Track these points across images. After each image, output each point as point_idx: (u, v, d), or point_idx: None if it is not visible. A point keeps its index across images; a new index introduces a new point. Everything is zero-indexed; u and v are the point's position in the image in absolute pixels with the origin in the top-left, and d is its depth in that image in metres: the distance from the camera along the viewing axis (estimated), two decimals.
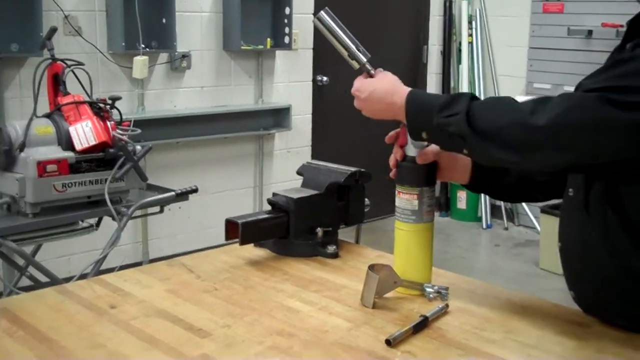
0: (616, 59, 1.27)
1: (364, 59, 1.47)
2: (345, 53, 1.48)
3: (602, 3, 4.81)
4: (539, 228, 5.02)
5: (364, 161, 5.14)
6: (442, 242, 5.02)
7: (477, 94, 5.59)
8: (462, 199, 5.61)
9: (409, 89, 1.39)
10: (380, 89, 1.42)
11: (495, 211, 5.58)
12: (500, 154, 1.24)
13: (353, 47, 1.47)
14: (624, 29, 1.35)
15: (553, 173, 1.49)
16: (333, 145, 5.26)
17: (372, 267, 1.40)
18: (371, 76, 1.47)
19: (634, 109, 1.15)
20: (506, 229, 5.46)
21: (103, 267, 2.58)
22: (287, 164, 4.82)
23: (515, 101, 1.26)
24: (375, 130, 5.65)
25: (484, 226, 5.52)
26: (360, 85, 1.46)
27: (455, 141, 1.29)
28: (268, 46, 4.57)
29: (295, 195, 1.69)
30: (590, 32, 4.89)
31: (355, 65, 1.48)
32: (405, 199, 1.43)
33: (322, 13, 1.46)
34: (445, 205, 5.76)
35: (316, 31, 4.94)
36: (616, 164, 1.23)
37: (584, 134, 1.17)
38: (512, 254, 4.96)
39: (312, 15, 4.87)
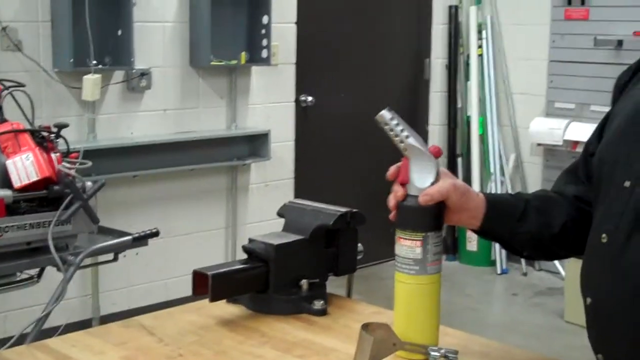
0: None
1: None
2: None
3: (634, 9, 4.88)
4: (563, 273, 5.04)
5: (357, 195, 5.19)
6: (449, 291, 5.03)
7: (488, 114, 5.66)
8: (472, 239, 5.62)
9: None
10: None
11: (512, 254, 5.59)
12: None
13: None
14: None
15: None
16: (320, 177, 5.28)
17: (366, 327, 1.40)
18: None
19: None
20: (525, 274, 5.47)
21: (46, 326, 2.55)
22: (266, 200, 4.82)
23: None
24: (370, 159, 5.71)
25: (499, 271, 5.53)
26: None
27: None
28: (243, 61, 4.59)
29: (276, 242, 1.69)
30: (620, 43, 4.97)
31: None
32: (406, 246, 1.43)
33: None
34: (453, 247, 5.77)
35: (299, 43, 5.00)
36: None
37: None
38: (533, 305, 4.97)
39: (294, 25, 4.92)
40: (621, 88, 1.55)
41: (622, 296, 1.36)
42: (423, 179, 1.42)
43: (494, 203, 1.52)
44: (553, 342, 4.38)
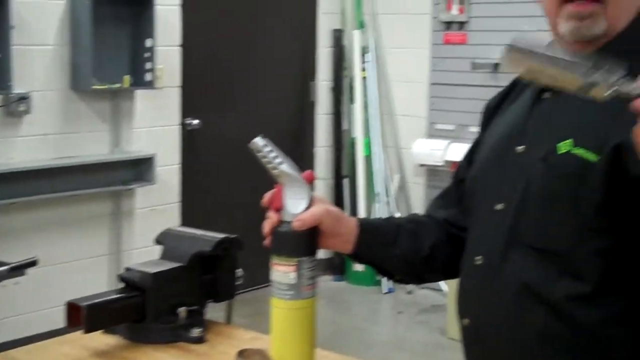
0: None
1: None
2: (572, 81, 1.09)
3: (509, 33, 4.98)
4: (446, 290, 5.15)
5: (246, 219, 5.16)
6: (336, 312, 5.06)
7: (373, 136, 5.75)
8: None
9: None
10: None
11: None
12: None
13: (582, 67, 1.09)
14: None
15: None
16: (207, 201, 5.25)
17: (242, 353, 1.40)
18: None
19: None
20: (410, 292, 5.57)
21: None
22: (152, 225, 4.74)
23: None
24: (257, 183, 5.71)
25: (385, 290, 5.60)
26: None
27: None
28: (126, 85, 4.53)
29: (152, 270, 1.68)
30: (496, 66, 5.14)
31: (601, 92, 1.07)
32: (281, 271, 1.44)
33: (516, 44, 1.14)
34: (340, 267, 5.81)
35: (185, 66, 4.98)
36: None
37: None
38: (417, 322, 5.06)
39: (179, 48, 4.89)
40: (491, 113, 1.59)
41: (499, 317, 1.39)
42: (296, 204, 1.44)
43: (367, 227, 1.55)
44: (437, 359, 4.47)
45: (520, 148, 1.40)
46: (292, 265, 1.43)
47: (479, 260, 1.44)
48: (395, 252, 1.55)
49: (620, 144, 1.22)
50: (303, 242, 1.44)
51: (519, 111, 1.46)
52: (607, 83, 1.06)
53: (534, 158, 1.36)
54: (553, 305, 1.33)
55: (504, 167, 1.44)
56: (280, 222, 1.45)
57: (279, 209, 1.45)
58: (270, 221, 1.45)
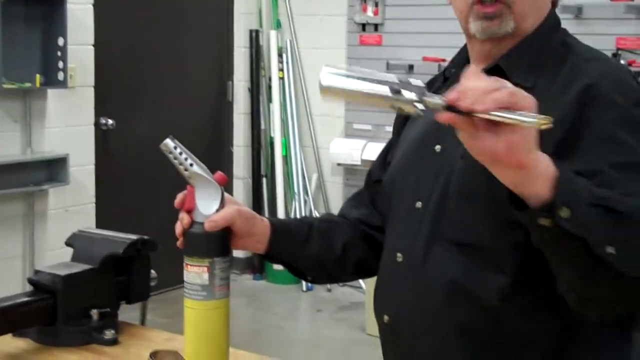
0: None
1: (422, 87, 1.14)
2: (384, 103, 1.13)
3: (423, 35, 5.15)
4: (364, 287, 5.20)
5: (161, 219, 5.10)
6: (256, 310, 5.07)
7: (291, 136, 5.77)
8: None
9: None
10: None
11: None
12: None
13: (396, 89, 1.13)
14: (445, 63, 1.44)
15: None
16: (122, 201, 5.18)
17: (154, 355, 1.40)
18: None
19: None
20: (329, 290, 5.60)
21: None
22: (66, 226, 4.64)
23: None
24: (172, 183, 5.63)
25: (304, 288, 5.62)
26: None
27: (603, 227, 1.14)
28: (37, 84, 4.45)
29: (63, 272, 1.66)
30: (411, 67, 5.23)
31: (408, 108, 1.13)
32: (194, 272, 1.44)
33: (329, 74, 1.13)
34: (260, 266, 5.82)
35: (98, 65, 4.90)
36: None
37: None
38: (337, 320, 5.10)
39: (92, 47, 4.82)
40: (404, 117, 1.60)
41: (422, 313, 1.42)
42: (208, 205, 1.44)
43: (279, 227, 1.56)
44: (356, 356, 4.52)
45: (438, 147, 1.44)
46: (205, 266, 1.43)
47: (399, 257, 1.46)
48: (307, 252, 1.57)
49: None
50: (215, 242, 1.45)
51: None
52: (410, 100, 1.11)
53: (453, 156, 1.39)
54: (476, 298, 1.36)
55: (422, 166, 1.47)
56: (192, 223, 1.45)
57: (190, 210, 1.45)
58: (181, 222, 1.45)
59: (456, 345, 1.39)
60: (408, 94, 1.12)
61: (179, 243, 1.47)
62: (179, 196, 1.47)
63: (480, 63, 1.43)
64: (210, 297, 1.44)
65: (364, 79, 1.12)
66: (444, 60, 4.90)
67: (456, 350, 1.39)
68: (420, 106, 1.12)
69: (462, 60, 1.50)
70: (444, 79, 1.53)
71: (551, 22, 1.44)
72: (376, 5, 5.42)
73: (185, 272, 1.46)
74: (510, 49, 1.41)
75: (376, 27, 5.45)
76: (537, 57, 1.40)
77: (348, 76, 1.13)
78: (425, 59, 5.12)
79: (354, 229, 1.62)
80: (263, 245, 1.55)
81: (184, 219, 1.44)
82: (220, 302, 1.46)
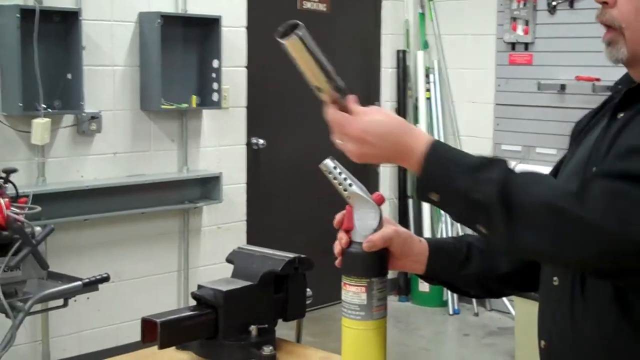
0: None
1: (344, 86, 1.38)
2: (322, 80, 1.39)
3: (576, 54, 5.02)
4: (513, 313, 5.09)
5: (310, 237, 5.21)
6: (401, 332, 5.05)
7: None
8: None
9: (424, 132, 1.37)
10: (394, 125, 1.34)
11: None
12: (529, 239, 1.21)
13: (332, 71, 1.39)
14: (601, 83, 1.43)
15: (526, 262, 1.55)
16: (272, 219, 5.29)
17: None
18: (347, 111, 1.40)
19: None
20: (476, 314, 5.52)
21: None
22: (218, 243, 4.82)
23: (557, 183, 1.27)
24: (320, 202, 5.72)
25: (451, 312, 5.57)
26: (364, 129, 1.34)
27: (474, 212, 1.25)
28: (193, 105, 4.62)
29: (225, 288, 1.70)
30: (563, 87, 5.10)
31: (329, 96, 1.39)
32: (352, 292, 1.46)
33: (303, 29, 1.36)
34: (405, 288, 5.81)
35: (250, 86, 5.03)
36: None
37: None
38: (484, 345, 5.01)
39: (244, 69, 4.97)
40: (578, 133, 1.58)
41: (574, 342, 1.39)
42: (366, 226, 1.45)
43: (437, 248, 1.56)
44: None
45: (596, 169, 1.40)
46: (363, 286, 1.45)
47: (555, 281, 1.44)
48: (467, 272, 1.56)
49: None
50: (373, 263, 1.46)
51: (598, 132, 1.46)
52: (341, 87, 1.39)
53: None
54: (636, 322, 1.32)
55: None
56: (351, 243, 1.47)
57: (349, 230, 1.47)
58: (340, 242, 1.46)
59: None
60: (341, 82, 1.39)
61: (337, 262, 1.49)
62: (338, 216, 1.49)
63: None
64: (368, 317, 1.46)
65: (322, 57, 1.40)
66: (598, 79, 4.75)
67: None
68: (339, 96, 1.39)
69: (627, 77, 1.47)
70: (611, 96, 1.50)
71: None
72: (526, 23, 5.33)
73: (343, 291, 1.47)
74: None
75: (526, 46, 5.36)
76: None
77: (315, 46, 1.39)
78: (578, 78, 4.99)
79: None
80: (422, 265, 1.55)
81: (342, 238, 1.46)
82: (377, 323, 1.47)
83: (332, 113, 1.39)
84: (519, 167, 5.18)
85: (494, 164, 1.27)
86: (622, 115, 1.40)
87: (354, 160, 1.36)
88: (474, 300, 5.55)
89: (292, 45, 1.38)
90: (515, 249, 1.27)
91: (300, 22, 1.35)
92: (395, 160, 1.35)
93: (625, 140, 1.34)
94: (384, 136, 1.33)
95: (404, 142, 1.32)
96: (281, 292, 1.79)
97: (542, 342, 1.47)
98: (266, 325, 1.75)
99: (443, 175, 1.28)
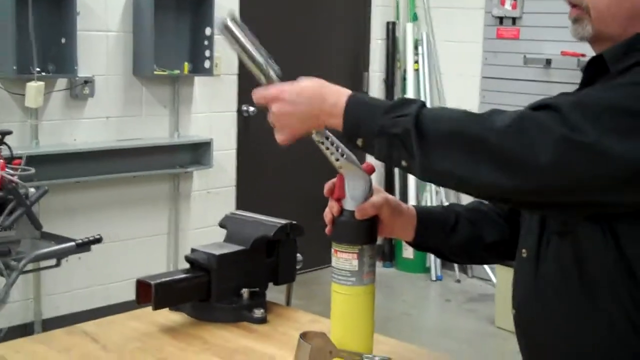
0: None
1: (274, 75, 1.47)
2: (252, 67, 1.47)
3: (562, 29, 4.95)
4: (494, 280, 5.14)
5: (297, 203, 5.22)
6: (385, 297, 5.09)
7: None
8: (408, 247, 5.66)
9: (344, 88, 1.39)
10: (310, 87, 1.39)
11: (445, 261, 5.69)
12: (443, 164, 1.24)
13: (262, 59, 1.47)
14: (585, 58, 1.45)
15: (508, 227, 1.57)
16: (261, 184, 5.30)
17: (304, 335, 1.43)
18: None
19: None
20: (458, 281, 5.57)
21: None
22: (208, 207, 4.83)
23: (472, 113, 1.29)
24: (308, 169, 5.74)
25: (433, 278, 5.61)
26: (282, 87, 1.41)
27: (395, 148, 1.28)
28: (185, 71, 4.60)
29: (218, 252, 1.72)
30: (548, 62, 5.09)
31: (264, 81, 1.47)
32: (343, 258, 1.47)
33: (227, 19, 1.44)
34: (390, 254, 5.84)
35: None
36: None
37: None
38: (465, 310, 5.06)
39: None
40: None
41: (536, 310, 1.42)
42: (357, 194, 1.46)
43: (426, 216, 1.58)
44: (484, 347, 4.47)
45: None
46: (355, 252, 1.46)
47: (524, 253, 1.46)
48: (455, 241, 1.58)
49: None
50: (365, 230, 1.47)
51: None
52: (268, 72, 1.47)
53: None
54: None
55: None
56: (342, 211, 1.48)
57: (340, 199, 1.48)
58: (332, 210, 1.47)
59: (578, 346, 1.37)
60: (273, 71, 1.48)
61: (327, 230, 1.50)
62: (328, 184, 1.50)
63: None
64: (359, 282, 1.47)
65: (252, 43, 1.46)
66: (583, 55, 4.75)
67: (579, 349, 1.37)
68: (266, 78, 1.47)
69: None
70: None
71: None
72: None
73: (333, 258, 1.49)
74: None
75: (514, 20, 5.35)
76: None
77: (245, 34, 1.45)
78: (563, 53, 4.99)
79: (504, 218, 1.61)
80: (409, 233, 1.56)
81: (334, 207, 1.47)
82: (367, 288, 1.48)
83: (255, 91, 1.46)
84: None
85: (410, 102, 1.31)
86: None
87: (276, 126, 1.44)
88: (456, 267, 5.59)
89: (224, 36, 1.46)
90: (432, 174, 1.28)
91: (234, 14, 1.46)
92: (318, 117, 1.37)
93: None
94: (301, 92, 1.39)
95: (321, 99, 1.37)
96: (272, 256, 1.81)
97: (513, 311, 1.51)
98: (257, 289, 1.77)
99: (365, 118, 1.32)
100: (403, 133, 1.26)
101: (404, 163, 1.28)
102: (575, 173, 1.18)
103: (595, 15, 1.37)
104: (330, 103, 1.35)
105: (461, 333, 4.68)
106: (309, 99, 1.37)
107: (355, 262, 1.46)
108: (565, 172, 1.18)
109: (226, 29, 1.44)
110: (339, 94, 1.36)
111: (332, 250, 1.48)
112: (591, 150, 1.16)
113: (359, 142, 1.33)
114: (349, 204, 1.47)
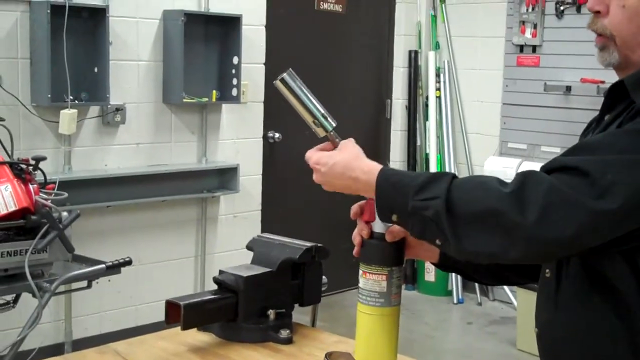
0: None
1: (330, 127, 1.52)
2: (310, 119, 1.53)
3: (581, 57, 4.97)
4: (515, 303, 5.07)
5: (321, 226, 5.20)
6: (408, 319, 5.04)
7: (445, 152, 5.72)
8: (430, 270, 5.65)
9: (375, 163, 1.43)
10: (341, 162, 1.46)
11: (467, 284, 5.63)
12: (476, 243, 1.26)
13: (319, 113, 1.52)
14: (605, 85, 1.44)
15: None
16: (286, 209, 5.28)
17: (329, 355, 1.41)
18: (335, 146, 1.53)
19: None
20: (479, 304, 5.50)
21: (20, 348, 2.53)
22: (234, 231, 4.81)
23: (498, 183, 1.28)
24: (333, 192, 5.67)
25: (455, 301, 5.55)
26: (319, 158, 1.50)
27: (428, 228, 1.30)
28: (213, 99, 4.61)
29: (245, 273, 1.70)
30: (568, 88, 5.06)
31: (321, 133, 1.53)
32: (372, 280, 1.45)
33: (286, 75, 1.49)
34: (412, 277, 5.79)
35: (267, 83, 5.02)
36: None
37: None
38: (487, 333, 5.00)
39: (263, 65, 4.95)
40: (584, 134, 1.56)
41: (559, 329, 1.40)
42: None
43: None
44: None
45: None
46: (384, 274, 1.45)
47: (547, 273, 1.45)
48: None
49: None
50: (394, 252, 1.46)
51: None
52: (326, 126, 1.55)
53: None
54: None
55: None
56: (371, 234, 1.46)
57: (369, 221, 1.47)
58: (361, 233, 1.47)
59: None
60: (329, 122, 1.55)
61: (355, 251, 1.48)
62: (354, 208, 1.50)
63: None
64: (387, 303, 1.46)
65: (307, 95, 1.53)
66: (602, 82, 4.71)
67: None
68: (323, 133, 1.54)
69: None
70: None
71: None
72: (535, 27, 5.29)
73: (361, 280, 1.47)
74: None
75: (534, 48, 5.32)
76: None
77: (301, 86, 1.53)
78: (583, 80, 4.95)
79: None
80: (434, 254, 1.54)
81: (364, 229, 1.46)
82: (394, 309, 1.47)
83: (309, 152, 1.57)
84: (523, 164, 5.16)
85: (439, 179, 1.31)
86: (607, 116, 1.40)
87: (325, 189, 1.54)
88: (477, 290, 5.53)
89: (279, 87, 1.53)
90: (466, 254, 1.30)
91: (290, 69, 1.53)
92: (353, 190, 1.45)
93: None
94: (333, 167, 1.48)
95: (354, 175, 1.44)
96: (298, 278, 1.79)
97: (536, 330, 1.49)
98: (283, 310, 1.75)
99: (396, 198, 1.35)
100: (434, 216, 1.28)
101: (438, 242, 1.31)
102: (598, 238, 1.25)
103: (620, 43, 1.37)
104: (363, 181, 1.41)
105: (483, 356, 4.61)
106: (341, 174, 1.46)
107: (384, 284, 1.44)
108: (590, 239, 1.25)
109: (283, 83, 1.51)
110: (370, 171, 1.41)
111: (360, 271, 1.47)
112: (615, 216, 1.21)
113: (394, 218, 1.36)
114: (378, 227, 1.46)
